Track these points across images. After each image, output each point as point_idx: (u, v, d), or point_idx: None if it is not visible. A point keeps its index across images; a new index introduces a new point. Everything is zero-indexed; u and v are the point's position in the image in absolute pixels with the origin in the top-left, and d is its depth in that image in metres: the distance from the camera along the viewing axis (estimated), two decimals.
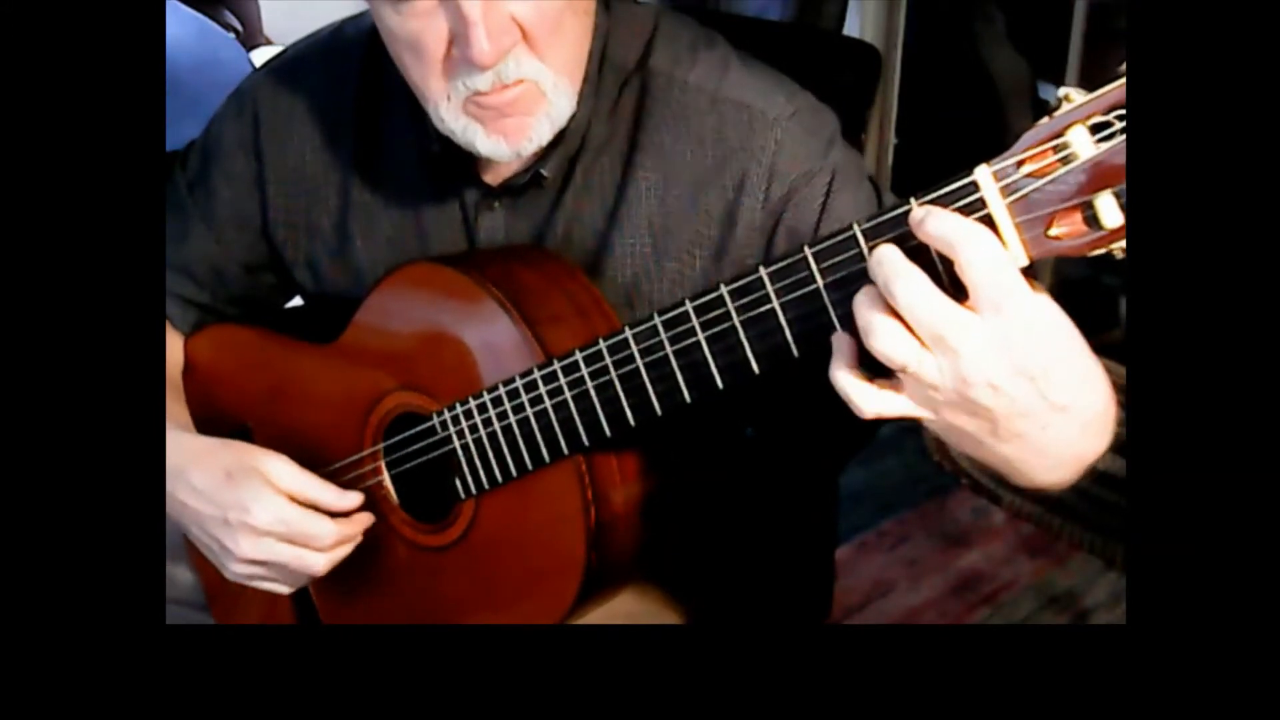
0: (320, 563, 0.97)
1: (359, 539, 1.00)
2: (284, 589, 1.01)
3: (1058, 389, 0.68)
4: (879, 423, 0.74)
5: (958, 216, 0.66)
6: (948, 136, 2.87)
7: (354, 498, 0.99)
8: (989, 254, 0.65)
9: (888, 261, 0.67)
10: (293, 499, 0.96)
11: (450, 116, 0.90)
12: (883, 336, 0.67)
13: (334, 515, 0.98)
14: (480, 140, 0.91)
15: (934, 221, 0.66)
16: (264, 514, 0.95)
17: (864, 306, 0.68)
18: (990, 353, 0.66)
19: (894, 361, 0.68)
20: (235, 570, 0.98)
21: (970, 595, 2.03)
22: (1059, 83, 2.73)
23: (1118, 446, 0.74)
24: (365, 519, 1.00)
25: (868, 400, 0.71)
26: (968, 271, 0.65)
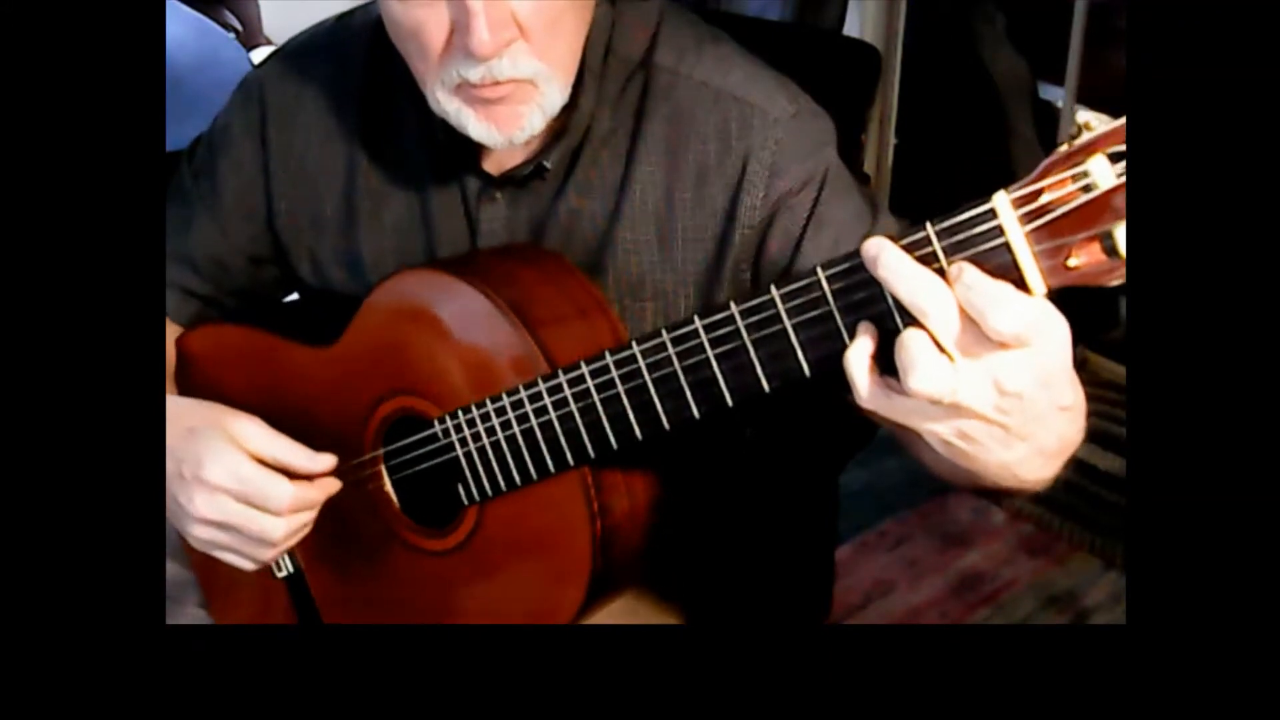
0: (278, 529, 0.94)
1: (318, 506, 0.97)
2: (245, 563, 0.98)
3: (1062, 391, 0.70)
4: (877, 423, 0.75)
5: (981, 275, 0.65)
6: (948, 136, 2.87)
7: (326, 460, 0.97)
8: (1019, 309, 0.65)
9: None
10: (261, 461, 0.95)
11: (444, 98, 0.91)
12: (927, 375, 0.66)
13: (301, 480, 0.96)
14: (472, 125, 0.91)
15: (966, 286, 0.65)
16: (217, 469, 0.93)
17: (913, 344, 0.67)
18: (1021, 370, 0.67)
19: (931, 396, 0.67)
20: (194, 532, 0.96)
21: (970, 595, 2.03)
22: (1059, 83, 2.73)
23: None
24: (330, 484, 0.98)
25: (874, 397, 0.71)
26: (1004, 329, 0.64)
